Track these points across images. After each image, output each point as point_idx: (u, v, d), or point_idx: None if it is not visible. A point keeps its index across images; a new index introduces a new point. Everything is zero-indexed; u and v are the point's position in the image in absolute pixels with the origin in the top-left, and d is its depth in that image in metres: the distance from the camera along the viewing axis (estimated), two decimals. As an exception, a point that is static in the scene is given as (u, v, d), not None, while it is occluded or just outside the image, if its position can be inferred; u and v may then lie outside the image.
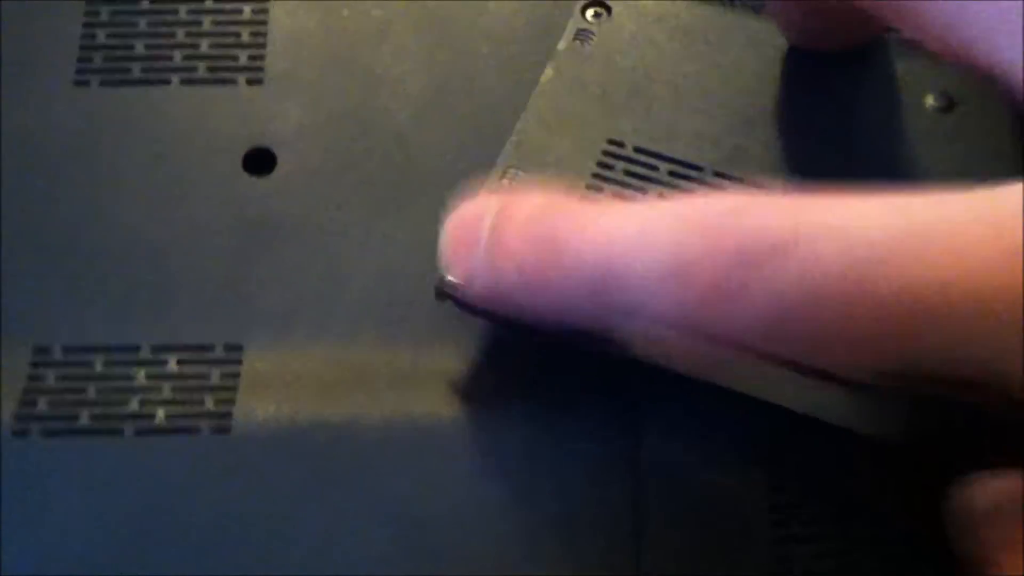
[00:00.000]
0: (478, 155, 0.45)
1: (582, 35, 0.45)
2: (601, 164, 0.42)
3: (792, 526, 0.39)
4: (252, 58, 0.46)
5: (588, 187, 0.41)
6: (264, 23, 0.46)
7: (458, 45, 0.47)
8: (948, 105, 0.43)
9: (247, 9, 0.47)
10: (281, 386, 0.41)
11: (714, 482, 0.39)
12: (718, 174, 0.42)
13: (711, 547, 0.39)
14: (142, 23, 0.46)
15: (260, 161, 0.44)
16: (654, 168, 0.42)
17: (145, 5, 0.47)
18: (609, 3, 0.45)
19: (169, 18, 0.46)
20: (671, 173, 0.42)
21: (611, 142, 0.42)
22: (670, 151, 0.42)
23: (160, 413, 0.40)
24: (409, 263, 0.43)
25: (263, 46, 0.46)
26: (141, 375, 0.41)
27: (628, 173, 0.42)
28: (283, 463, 0.39)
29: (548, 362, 0.41)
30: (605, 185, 0.41)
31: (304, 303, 0.42)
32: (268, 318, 0.42)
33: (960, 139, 0.43)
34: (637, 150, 0.42)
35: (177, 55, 0.46)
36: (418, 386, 0.41)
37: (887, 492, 0.39)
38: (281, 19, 0.46)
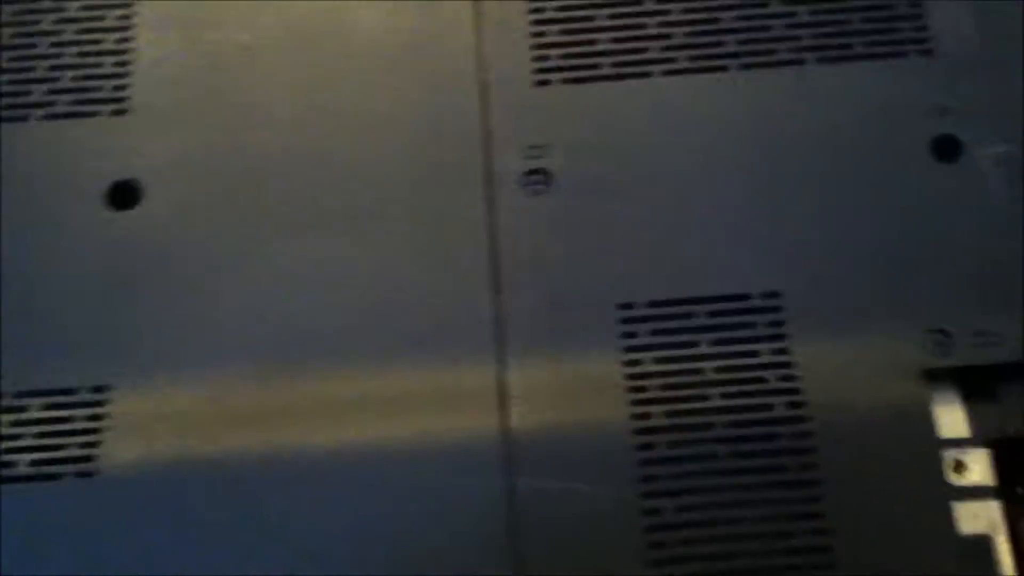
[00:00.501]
0: (351, 179, 0.44)
1: None
2: None
3: (670, 547, 0.39)
4: (116, 88, 0.45)
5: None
6: (128, 52, 0.45)
7: (328, 67, 0.46)
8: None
9: (110, 39, 0.46)
10: (149, 427, 0.40)
11: (587, 507, 0.39)
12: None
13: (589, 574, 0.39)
14: (1, 58, 0.45)
15: (125, 194, 0.43)
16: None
17: (3, 40, 0.45)
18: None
19: (29, 52, 0.45)
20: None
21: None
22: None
23: (24, 460, 0.39)
24: (283, 296, 0.42)
25: (128, 76, 0.45)
26: (5, 422, 0.40)
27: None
28: (151, 505, 0.39)
29: (426, 382, 0.41)
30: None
31: (173, 341, 0.41)
32: (136, 358, 0.41)
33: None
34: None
35: (38, 90, 0.45)
36: (291, 422, 0.40)
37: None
38: (146, 48, 0.46)
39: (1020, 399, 0.41)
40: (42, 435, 0.39)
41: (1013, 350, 0.41)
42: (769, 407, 0.40)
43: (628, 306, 0.42)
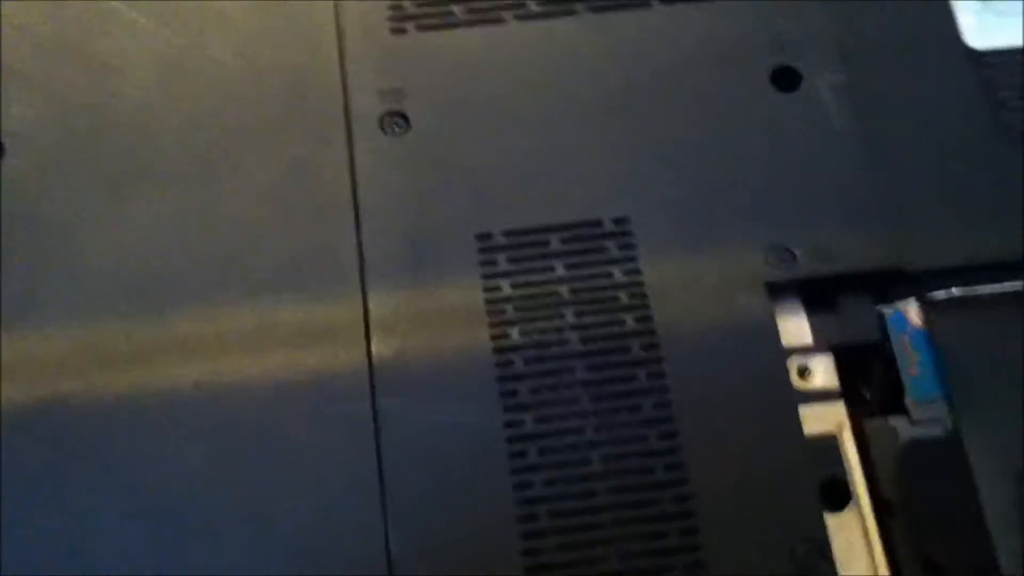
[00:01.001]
0: (211, 127, 0.45)
1: None
2: None
3: (529, 456, 0.40)
4: (-24, 51, 0.46)
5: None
6: (-11, 16, 0.46)
7: (190, 27, 0.47)
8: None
9: (-30, 4, 0.46)
10: (22, 370, 0.41)
11: (449, 424, 0.41)
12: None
13: (454, 487, 0.40)
14: None
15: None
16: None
17: None
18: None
19: None
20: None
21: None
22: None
23: None
24: (145, 245, 0.43)
25: (-11, 39, 0.46)
26: None
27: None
28: (29, 446, 0.39)
29: (292, 317, 0.42)
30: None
31: (41, 291, 0.42)
32: (3, 306, 0.42)
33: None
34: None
35: None
36: (160, 362, 0.41)
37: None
38: (8, 12, 0.46)
39: (858, 307, 0.44)
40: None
41: (850, 262, 0.44)
42: (621, 322, 0.42)
43: (486, 236, 0.44)
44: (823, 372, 0.43)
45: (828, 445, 0.42)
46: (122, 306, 0.42)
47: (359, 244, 0.43)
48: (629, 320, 0.42)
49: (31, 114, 0.45)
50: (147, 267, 0.43)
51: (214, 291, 0.42)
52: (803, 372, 0.43)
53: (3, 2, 0.47)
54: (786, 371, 0.42)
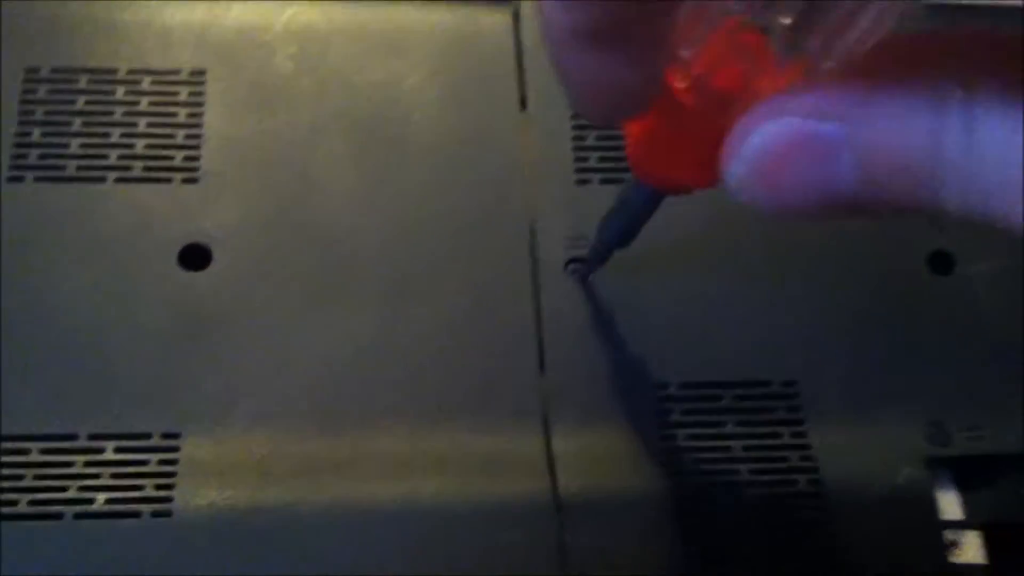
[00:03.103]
0: (405, 254, 0.47)
1: None
2: None
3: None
4: (187, 158, 0.47)
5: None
6: (199, 126, 0.48)
7: (385, 151, 0.49)
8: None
9: (182, 112, 0.48)
10: (220, 473, 0.42)
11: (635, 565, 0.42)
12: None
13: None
14: (77, 123, 0.48)
15: (196, 257, 0.46)
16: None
17: (80, 106, 0.48)
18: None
19: (104, 119, 0.48)
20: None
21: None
22: None
23: (99, 498, 0.41)
24: (340, 356, 0.45)
25: (198, 147, 0.48)
26: (79, 462, 0.42)
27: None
28: (224, 547, 0.41)
29: (478, 445, 0.44)
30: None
31: (240, 393, 0.44)
32: (204, 407, 0.43)
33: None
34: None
35: (112, 154, 0.47)
36: (357, 472, 0.43)
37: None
38: (215, 122, 0.48)
39: (1010, 487, 0.46)
40: (117, 476, 0.41)
41: (1003, 445, 0.46)
42: (793, 483, 0.44)
43: (663, 386, 0.45)
44: (972, 548, 0.45)
45: (976, 620, 0.44)
46: (316, 416, 0.43)
47: (542, 381, 0.45)
48: (801, 482, 0.44)
49: (234, 219, 0.46)
50: (343, 377, 0.44)
51: (407, 408, 0.44)
52: (953, 545, 0.45)
53: (208, 113, 0.49)
54: (943, 545, 0.44)
